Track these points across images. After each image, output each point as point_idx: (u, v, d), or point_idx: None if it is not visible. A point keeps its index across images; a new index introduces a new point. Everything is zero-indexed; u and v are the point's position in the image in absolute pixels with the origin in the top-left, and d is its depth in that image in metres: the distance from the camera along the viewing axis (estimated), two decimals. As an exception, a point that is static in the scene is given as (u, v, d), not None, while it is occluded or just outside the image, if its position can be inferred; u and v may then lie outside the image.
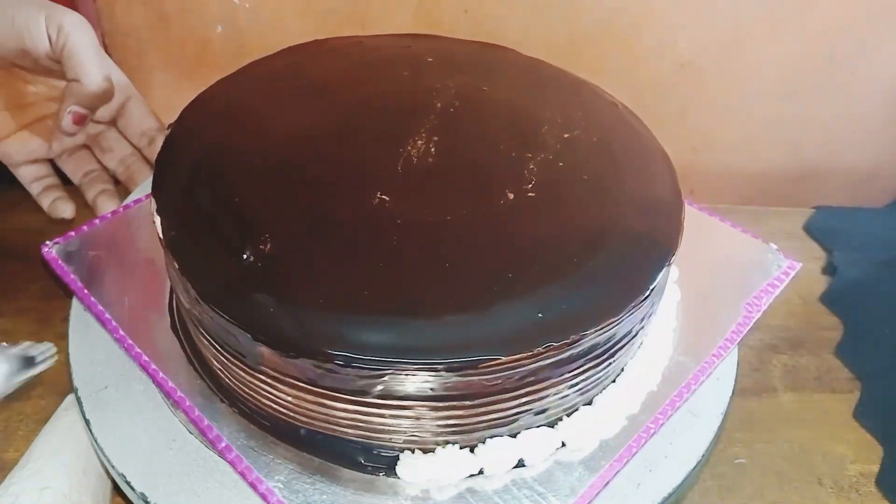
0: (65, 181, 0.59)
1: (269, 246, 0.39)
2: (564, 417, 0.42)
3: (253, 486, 0.39)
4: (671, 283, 0.50)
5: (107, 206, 0.57)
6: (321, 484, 0.40)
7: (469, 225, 0.41)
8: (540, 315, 0.37)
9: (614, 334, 0.40)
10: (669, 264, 0.41)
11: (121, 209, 0.54)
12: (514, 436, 0.41)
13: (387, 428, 0.39)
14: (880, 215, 0.75)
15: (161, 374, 0.44)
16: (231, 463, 0.40)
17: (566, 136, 0.48)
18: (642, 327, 0.43)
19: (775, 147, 0.78)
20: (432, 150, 0.46)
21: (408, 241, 0.40)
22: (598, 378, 0.42)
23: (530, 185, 0.44)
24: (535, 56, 0.57)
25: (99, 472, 0.45)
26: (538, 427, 0.41)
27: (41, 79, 0.53)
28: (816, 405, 0.54)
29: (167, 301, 0.48)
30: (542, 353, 0.36)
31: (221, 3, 0.68)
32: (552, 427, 0.42)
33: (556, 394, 0.40)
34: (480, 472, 0.40)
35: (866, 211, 0.75)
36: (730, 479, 0.49)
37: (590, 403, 0.43)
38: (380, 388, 0.37)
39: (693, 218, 0.54)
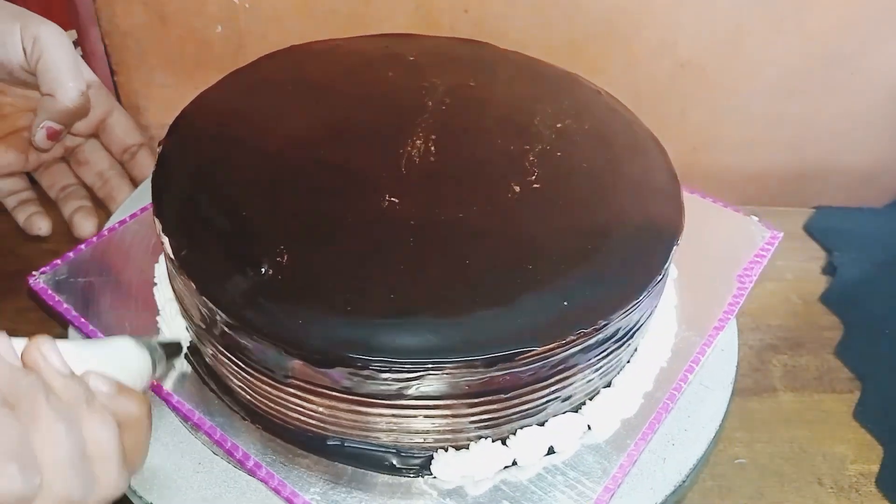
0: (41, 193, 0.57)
1: (286, 258, 0.39)
2: (587, 402, 0.43)
3: (289, 501, 0.38)
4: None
5: (84, 223, 0.54)
6: (357, 492, 0.39)
7: (482, 221, 0.42)
8: (566, 304, 0.38)
9: (635, 316, 0.41)
10: (678, 244, 0.42)
11: (105, 231, 0.52)
12: (542, 424, 0.41)
13: (421, 428, 0.39)
14: (880, 215, 0.75)
15: (176, 397, 0.43)
16: (263, 480, 0.39)
17: (559, 125, 0.48)
18: (656, 306, 0.45)
19: (775, 147, 0.78)
20: (432, 149, 0.46)
21: (425, 242, 0.40)
22: (619, 360, 0.43)
23: (534, 177, 0.44)
24: (535, 56, 0.57)
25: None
26: (564, 413, 0.42)
27: (17, 90, 0.51)
28: (816, 405, 0.54)
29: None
30: (574, 341, 0.37)
31: (221, 3, 0.68)
32: (577, 412, 0.43)
33: (582, 379, 0.41)
34: (514, 464, 0.41)
35: (866, 211, 0.75)
36: (730, 479, 0.49)
37: (609, 385, 0.44)
38: (416, 389, 0.37)
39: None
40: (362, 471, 0.40)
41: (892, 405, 0.54)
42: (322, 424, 0.40)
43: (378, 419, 0.39)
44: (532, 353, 0.36)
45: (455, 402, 0.38)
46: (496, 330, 0.37)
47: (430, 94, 0.50)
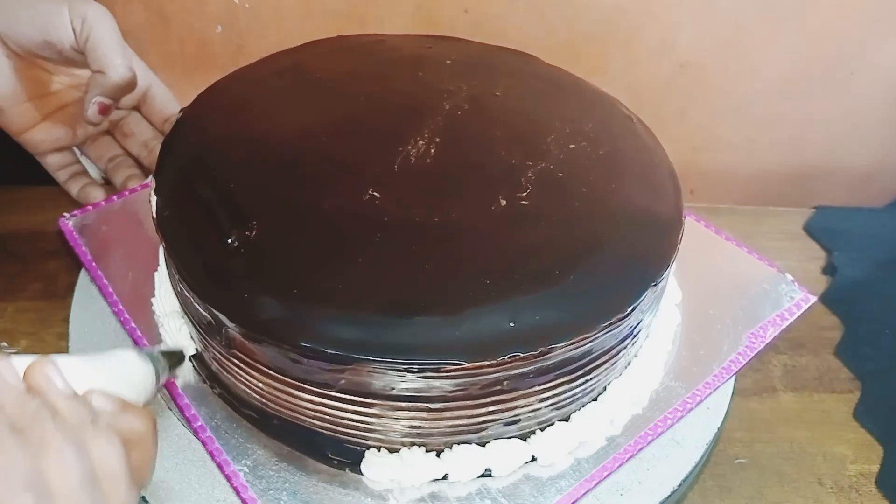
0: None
1: (254, 233, 0.40)
2: (538, 431, 0.41)
3: (220, 466, 0.40)
4: (671, 306, 0.49)
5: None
6: (286, 473, 0.40)
7: (456, 228, 0.41)
8: (511, 324, 0.37)
9: (590, 351, 0.39)
10: (656, 285, 0.40)
11: (139, 188, 0.56)
12: (483, 444, 0.40)
13: (353, 423, 0.39)
14: (880, 215, 0.75)
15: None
16: (203, 442, 0.41)
17: (571, 146, 0.47)
18: (625, 347, 0.42)
19: (775, 147, 0.78)
20: (432, 151, 0.46)
21: (391, 239, 0.40)
22: (575, 395, 0.41)
23: (525, 194, 0.43)
24: (535, 55, 0.57)
25: None
26: (509, 438, 0.41)
27: (62, 68, 0.54)
28: (816, 405, 0.54)
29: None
30: (508, 363, 0.36)
31: (221, 3, 0.68)
32: (524, 440, 0.41)
33: (525, 406, 0.39)
34: (445, 478, 0.40)
35: (866, 211, 0.74)
36: (730, 479, 0.49)
37: (567, 420, 0.42)
38: (343, 382, 0.37)
39: (707, 240, 0.55)
40: (300, 454, 0.41)
41: (892, 405, 0.54)
42: (263, 399, 0.41)
43: (310, 405, 0.39)
44: (459, 367, 0.36)
45: (381, 402, 0.38)
46: (429, 338, 0.36)
47: (450, 98, 0.50)
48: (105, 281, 0.49)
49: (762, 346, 0.48)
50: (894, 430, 0.52)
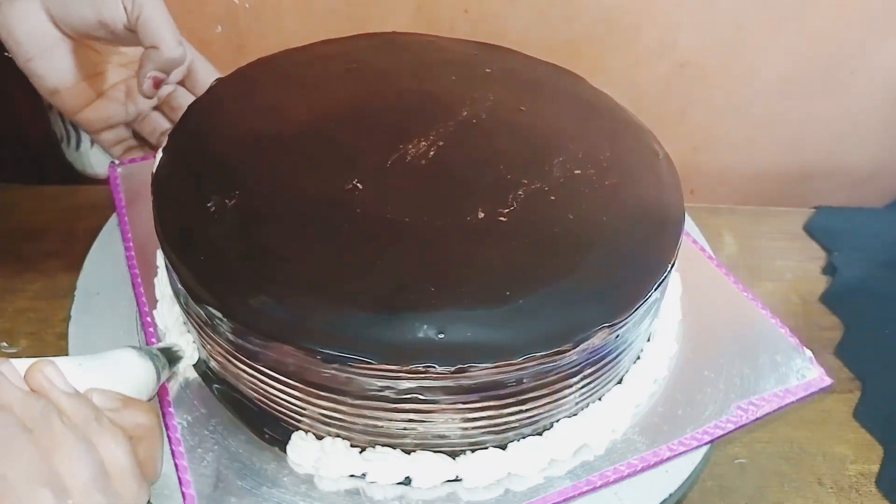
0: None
1: (233, 202, 0.42)
2: (468, 452, 0.41)
3: (164, 415, 0.41)
4: (661, 358, 0.46)
5: None
6: (219, 436, 0.41)
7: (422, 231, 0.41)
8: (440, 336, 0.36)
9: (521, 380, 0.38)
10: (608, 327, 0.38)
11: None
12: (407, 452, 0.40)
13: (282, 402, 0.40)
14: (880, 215, 0.75)
15: (144, 295, 0.48)
16: (158, 394, 0.42)
17: (576, 171, 0.46)
18: (570, 386, 0.40)
19: (775, 147, 0.78)
20: (430, 153, 0.46)
21: (353, 231, 0.41)
22: (508, 423, 0.40)
23: (507, 210, 0.42)
24: (536, 56, 0.57)
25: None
26: (435, 452, 0.40)
27: (111, 48, 0.56)
28: (816, 405, 0.54)
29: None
30: (422, 373, 0.36)
31: (221, 3, 0.68)
32: (453, 458, 0.40)
33: (448, 422, 0.39)
34: (364, 476, 0.40)
35: (866, 211, 0.74)
36: (730, 479, 0.49)
37: (503, 448, 0.41)
38: (265, 358, 0.38)
39: (730, 296, 0.51)
40: (238, 421, 0.42)
41: (892, 405, 0.54)
42: (208, 363, 0.43)
43: (242, 374, 0.40)
44: (370, 365, 0.36)
45: (303, 386, 0.38)
46: (352, 330, 0.36)
47: (472, 106, 0.49)
48: (128, 227, 0.51)
49: (748, 421, 0.44)
50: (894, 430, 0.52)
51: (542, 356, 0.37)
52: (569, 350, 0.37)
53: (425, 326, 0.36)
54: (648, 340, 0.47)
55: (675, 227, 0.44)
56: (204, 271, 0.39)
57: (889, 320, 0.61)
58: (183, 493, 0.38)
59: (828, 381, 0.46)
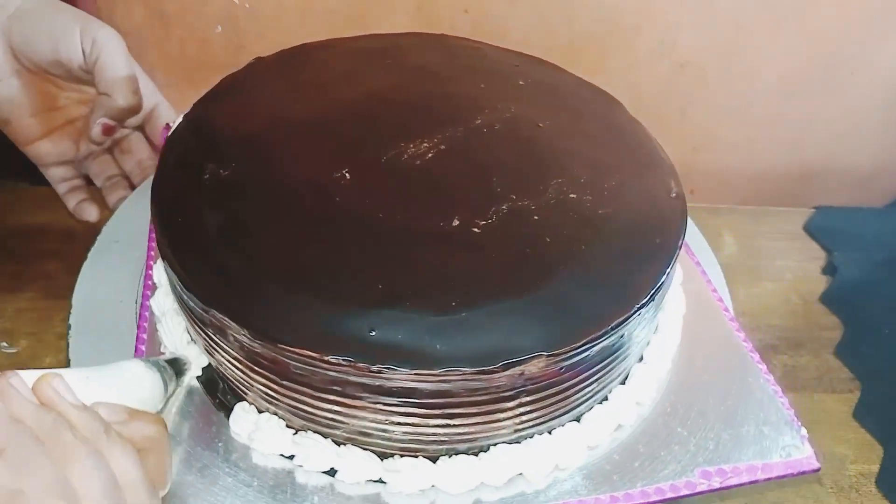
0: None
1: (227, 173, 0.44)
2: (396, 457, 0.40)
3: (137, 347, 0.45)
4: (630, 404, 0.44)
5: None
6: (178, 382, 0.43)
7: (391, 229, 0.41)
8: (372, 333, 0.36)
9: (447, 392, 0.37)
10: (546, 357, 0.37)
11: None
12: (337, 443, 0.40)
13: (231, 369, 0.41)
14: (880, 215, 0.75)
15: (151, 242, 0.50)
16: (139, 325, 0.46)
17: (572, 196, 0.44)
18: (504, 411, 0.39)
19: (775, 147, 0.78)
20: (428, 156, 0.46)
21: (324, 217, 0.42)
22: (435, 434, 0.39)
23: (483, 222, 0.42)
24: (535, 56, 0.57)
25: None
26: (363, 449, 0.40)
27: (72, 84, 0.54)
28: (816, 405, 0.54)
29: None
30: (342, 366, 0.36)
31: (221, 3, 0.68)
32: (380, 458, 0.40)
33: (369, 419, 0.39)
34: (292, 458, 0.40)
35: (866, 211, 0.75)
36: (730, 479, 0.49)
37: (433, 460, 0.40)
38: (210, 323, 0.39)
39: (731, 351, 0.47)
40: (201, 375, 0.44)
41: (892, 405, 0.54)
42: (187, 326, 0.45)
43: (198, 335, 0.42)
44: (286, 348, 0.36)
45: (243, 360, 0.39)
46: (281, 310, 0.37)
47: (488, 115, 0.49)
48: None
49: (709, 490, 0.40)
50: (894, 430, 0.52)
51: (469, 373, 0.36)
52: (497, 372, 0.36)
53: (358, 321, 0.37)
54: (623, 382, 0.44)
55: (656, 270, 0.41)
56: (176, 235, 0.41)
57: (889, 320, 0.61)
58: None
59: (816, 464, 0.41)
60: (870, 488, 0.49)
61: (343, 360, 0.36)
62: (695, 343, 0.48)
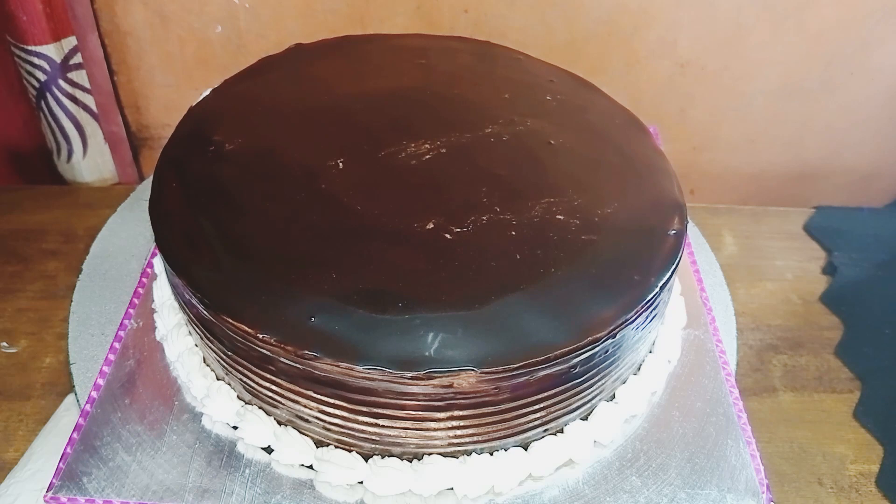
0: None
1: (231, 148, 0.45)
2: (331, 447, 0.41)
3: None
4: (583, 442, 0.42)
5: None
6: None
7: (363, 222, 0.42)
8: (311, 319, 0.37)
9: (369, 389, 0.37)
10: (474, 371, 0.36)
11: None
12: (317, 445, 0.41)
13: (195, 335, 0.43)
14: (880, 215, 0.75)
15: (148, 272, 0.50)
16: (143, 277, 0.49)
17: (559, 217, 0.43)
18: (437, 421, 0.39)
19: (775, 147, 0.78)
20: (425, 157, 0.46)
21: (305, 201, 0.42)
22: (364, 432, 0.39)
23: (457, 230, 0.41)
24: (536, 56, 0.57)
25: None
26: (301, 434, 0.41)
27: None
28: (816, 405, 0.54)
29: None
30: (273, 345, 0.37)
31: (221, 3, 0.68)
32: (316, 447, 0.41)
33: (306, 406, 0.39)
34: (268, 450, 0.42)
35: (866, 211, 0.75)
36: (730, 479, 0.49)
37: (365, 458, 0.41)
38: (178, 292, 0.41)
39: (719, 410, 0.44)
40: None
41: (892, 405, 0.54)
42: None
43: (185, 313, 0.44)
44: (241, 328, 0.37)
45: (223, 348, 0.40)
46: (227, 285, 0.38)
47: (500, 126, 0.48)
48: None
49: None
50: (894, 430, 0.52)
51: (393, 375, 0.36)
52: (422, 380, 0.36)
53: (299, 306, 0.37)
54: (586, 419, 0.43)
55: (622, 308, 0.39)
56: (161, 198, 0.43)
57: (889, 320, 0.61)
58: (96, 383, 0.43)
59: None
60: (870, 488, 0.49)
61: (274, 340, 0.36)
62: (679, 393, 0.45)
